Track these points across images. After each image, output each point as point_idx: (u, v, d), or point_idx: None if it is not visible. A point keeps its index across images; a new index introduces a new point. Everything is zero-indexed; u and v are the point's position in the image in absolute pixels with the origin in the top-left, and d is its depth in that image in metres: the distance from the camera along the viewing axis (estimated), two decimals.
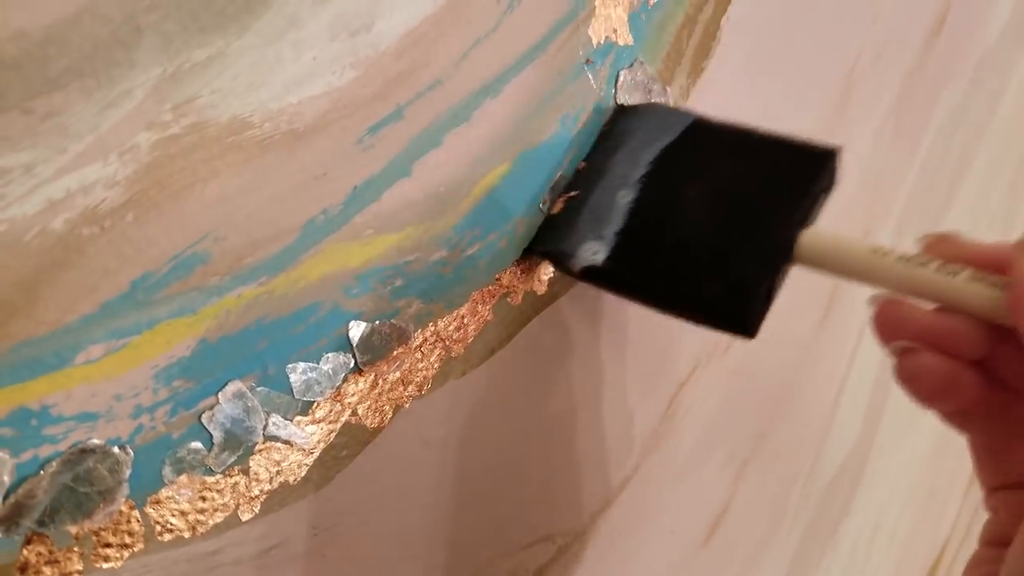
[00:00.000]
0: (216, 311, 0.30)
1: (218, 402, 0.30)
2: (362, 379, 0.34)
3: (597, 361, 0.45)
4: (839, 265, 0.34)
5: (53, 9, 0.24)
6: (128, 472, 0.29)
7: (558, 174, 0.40)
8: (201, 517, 0.31)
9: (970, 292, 0.32)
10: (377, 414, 0.35)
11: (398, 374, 0.36)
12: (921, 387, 0.33)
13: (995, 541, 0.35)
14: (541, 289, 0.41)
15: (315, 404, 0.33)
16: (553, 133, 0.39)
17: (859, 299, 0.72)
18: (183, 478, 0.30)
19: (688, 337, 0.52)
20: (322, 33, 0.30)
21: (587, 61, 0.40)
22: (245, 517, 0.32)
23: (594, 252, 0.37)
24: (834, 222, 0.63)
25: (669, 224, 0.37)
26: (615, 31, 0.41)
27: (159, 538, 0.30)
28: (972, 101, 0.81)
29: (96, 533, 0.28)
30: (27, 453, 0.26)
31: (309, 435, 0.33)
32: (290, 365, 0.32)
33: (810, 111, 0.58)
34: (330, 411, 0.34)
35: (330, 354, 0.33)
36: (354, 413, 0.34)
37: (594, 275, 0.38)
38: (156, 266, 0.28)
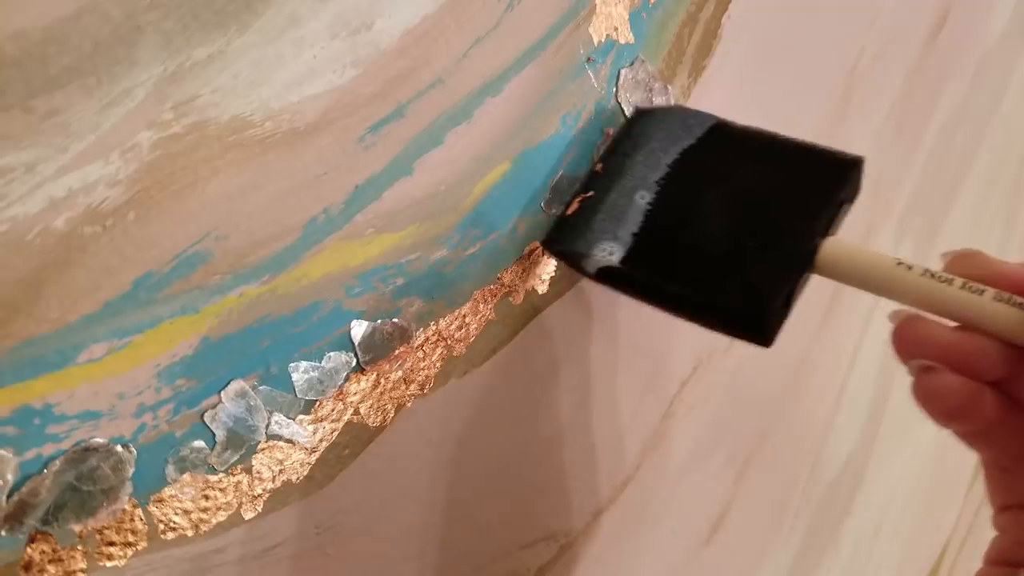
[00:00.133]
0: (218, 310, 0.30)
1: (221, 401, 0.30)
2: (364, 378, 0.34)
3: (599, 360, 0.45)
4: (861, 277, 0.34)
5: (53, 8, 0.24)
6: (131, 470, 0.29)
7: (559, 173, 0.40)
8: (204, 516, 0.31)
9: (994, 312, 0.31)
10: (379, 413, 0.35)
11: (400, 373, 0.36)
12: (940, 407, 0.33)
13: (1002, 560, 0.34)
14: (543, 288, 0.41)
15: (317, 403, 0.33)
16: (554, 132, 0.39)
17: (861, 299, 0.73)
18: (186, 477, 0.30)
19: (689, 336, 0.52)
20: (323, 31, 0.30)
21: (588, 59, 0.40)
22: (248, 516, 0.32)
23: (610, 252, 0.37)
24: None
25: (688, 227, 0.37)
26: (616, 29, 0.41)
27: (162, 536, 0.30)
28: (973, 100, 0.81)
29: (100, 531, 0.28)
30: (31, 452, 0.26)
31: (311, 434, 0.33)
32: (292, 364, 0.32)
33: (811, 109, 0.58)
34: (332, 410, 0.34)
35: (332, 353, 0.33)
36: (356, 412, 0.34)
37: (609, 276, 0.37)
38: (158, 265, 0.28)
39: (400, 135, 0.33)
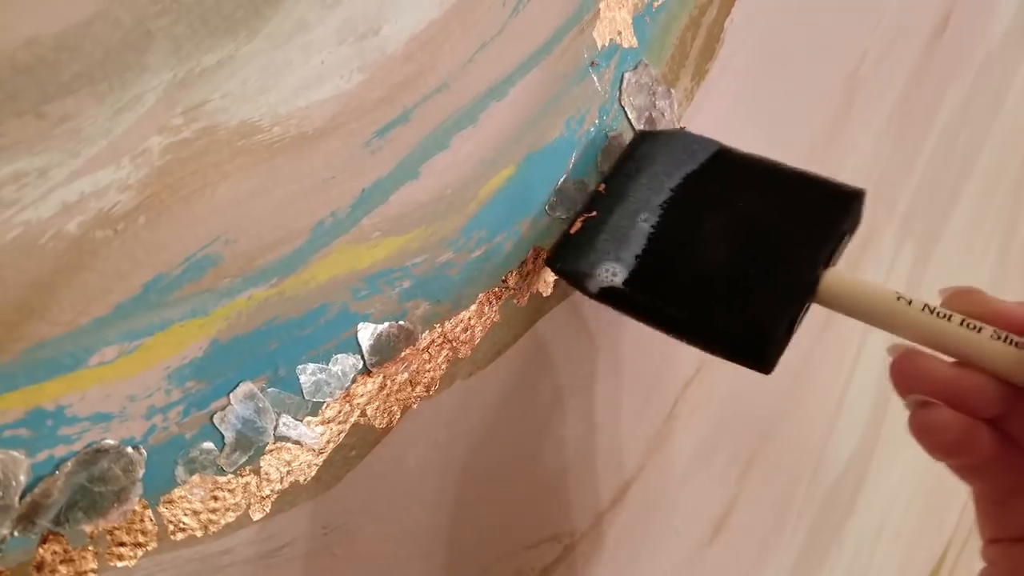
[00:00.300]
0: (228, 312, 0.30)
1: (230, 403, 0.31)
2: (371, 380, 0.35)
3: (602, 362, 0.46)
4: (861, 309, 0.34)
5: (65, 15, 0.25)
6: (142, 472, 0.29)
7: (562, 177, 0.40)
8: (213, 516, 0.31)
9: (992, 350, 0.32)
10: (386, 415, 0.35)
11: (406, 375, 0.36)
12: (936, 442, 0.33)
13: None
14: (547, 291, 0.41)
15: (325, 405, 0.33)
16: (558, 135, 0.39)
17: None
18: (195, 478, 0.30)
19: None
20: (330, 37, 0.30)
21: (592, 64, 0.40)
22: (256, 516, 0.32)
23: (613, 274, 0.37)
24: None
25: (690, 252, 0.37)
26: (619, 34, 0.41)
27: (172, 537, 0.30)
28: (975, 102, 0.81)
29: (110, 532, 0.29)
30: (43, 453, 0.27)
31: (319, 435, 0.33)
32: (300, 366, 0.32)
33: (814, 112, 0.58)
34: (339, 412, 0.34)
35: (339, 355, 0.34)
36: (363, 414, 0.35)
37: (611, 296, 0.38)
38: (168, 268, 0.28)
39: (406, 139, 0.34)
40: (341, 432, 0.34)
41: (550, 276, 0.41)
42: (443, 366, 0.37)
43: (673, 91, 0.45)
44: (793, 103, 0.55)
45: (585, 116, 0.40)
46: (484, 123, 0.36)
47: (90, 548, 0.28)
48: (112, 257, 0.27)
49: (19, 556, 0.27)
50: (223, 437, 0.31)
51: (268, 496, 0.32)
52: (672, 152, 0.40)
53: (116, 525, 0.29)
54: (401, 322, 0.35)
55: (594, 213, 0.39)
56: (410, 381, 0.36)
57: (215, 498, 0.31)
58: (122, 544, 0.29)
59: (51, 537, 0.28)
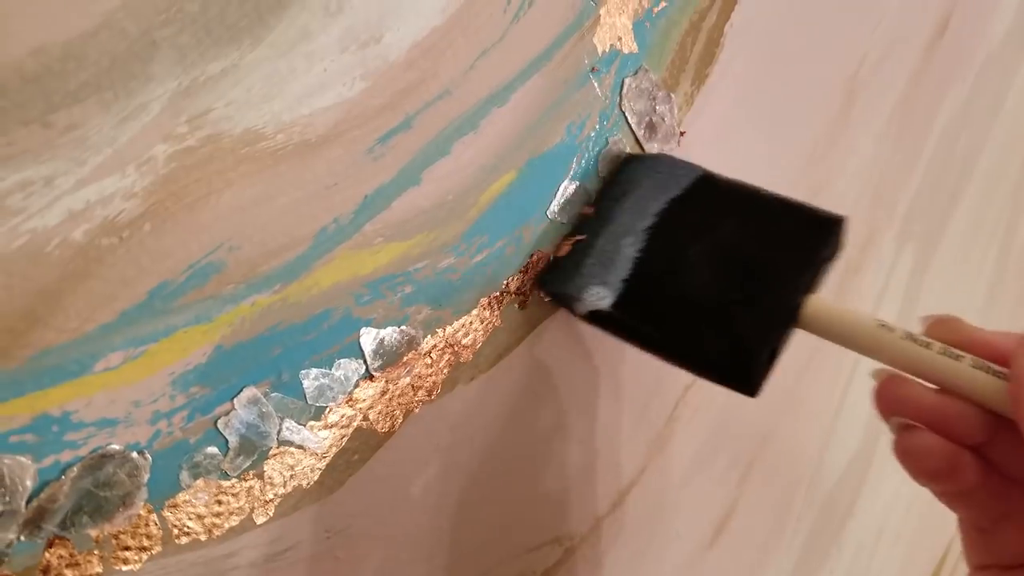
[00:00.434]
0: (231, 319, 0.30)
1: (234, 408, 0.31)
2: (373, 385, 0.35)
3: (603, 365, 0.46)
4: (843, 335, 0.35)
5: (72, 25, 0.25)
6: (147, 477, 0.29)
7: (563, 183, 0.40)
8: (217, 520, 0.31)
9: (972, 379, 0.32)
10: (388, 419, 0.36)
11: (408, 379, 0.36)
12: (920, 467, 0.33)
13: None
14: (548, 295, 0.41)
15: (328, 409, 0.34)
16: (559, 141, 0.40)
17: (866, 297, 0.73)
18: (200, 482, 0.31)
19: None
20: (333, 45, 0.31)
21: (592, 69, 0.40)
22: (260, 520, 0.33)
23: (600, 297, 0.38)
24: None
25: (675, 277, 0.38)
26: (620, 39, 0.41)
27: (176, 541, 0.30)
28: (976, 104, 0.81)
29: (115, 536, 0.29)
30: (49, 458, 0.27)
31: (322, 440, 0.34)
32: (303, 371, 0.33)
33: (814, 115, 0.58)
34: (342, 416, 0.34)
35: (342, 360, 0.34)
36: (365, 418, 0.35)
37: (599, 319, 0.39)
38: (173, 275, 0.29)
39: (408, 146, 0.34)
40: (344, 436, 0.34)
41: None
42: (445, 370, 0.38)
43: (673, 96, 0.45)
44: (793, 106, 0.56)
45: (586, 121, 0.41)
46: (485, 129, 0.36)
47: (95, 552, 0.29)
48: (117, 264, 0.27)
49: (25, 560, 0.27)
50: (227, 442, 0.31)
51: (271, 500, 0.33)
52: (656, 176, 0.41)
53: (121, 529, 0.29)
54: (403, 327, 0.36)
55: (582, 236, 0.40)
56: (412, 385, 0.36)
57: (219, 502, 0.31)
58: (127, 548, 0.29)
59: (57, 541, 0.28)
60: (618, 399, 0.48)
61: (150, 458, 0.29)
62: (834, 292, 0.67)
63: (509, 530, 0.43)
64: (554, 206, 0.40)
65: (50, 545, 0.28)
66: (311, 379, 0.33)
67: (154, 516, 0.30)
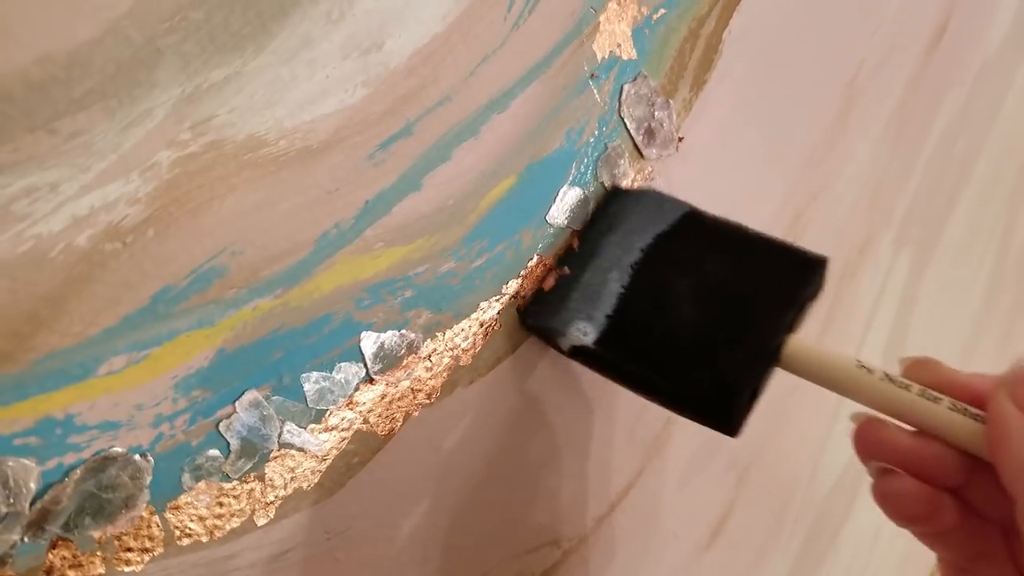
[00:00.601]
0: (233, 323, 0.31)
1: (235, 411, 0.31)
2: (373, 388, 0.35)
3: None
4: (823, 376, 0.35)
5: (77, 33, 0.25)
6: (149, 479, 0.29)
7: (562, 188, 0.41)
8: (218, 522, 0.32)
9: (950, 421, 0.32)
10: (388, 422, 0.36)
11: (408, 383, 0.36)
12: (898, 510, 0.34)
13: None
14: None
15: (328, 412, 0.34)
16: (558, 146, 0.40)
17: (861, 304, 0.73)
18: (201, 484, 0.31)
19: None
20: (335, 52, 0.31)
21: (592, 76, 0.41)
22: (260, 522, 0.33)
23: (584, 333, 0.38)
24: (835, 232, 0.64)
25: (658, 314, 0.38)
26: (619, 46, 0.42)
27: (178, 542, 0.31)
28: (973, 109, 0.81)
29: (118, 538, 0.29)
30: (52, 461, 0.27)
31: (322, 442, 0.34)
32: (304, 375, 0.33)
33: (812, 121, 0.59)
34: (342, 419, 0.34)
35: (343, 364, 0.34)
36: (365, 421, 0.35)
37: (581, 354, 0.39)
38: (176, 280, 0.29)
39: (409, 151, 0.34)
40: (344, 439, 0.35)
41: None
42: (444, 374, 0.38)
43: (672, 102, 0.45)
44: (791, 112, 0.56)
45: (585, 127, 0.41)
46: (485, 135, 0.37)
47: (98, 553, 0.29)
48: (121, 269, 0.27)
49: (29, 561, 0.28)
50: (228, 444, 0.31)
51: (272, 502, 0.33)
52: (643, 211, 0.41)
53: (124, 531, 0.29)
54: (403, 331, 0.36)
55: (567, 269, 0.40)
56: (412, 389, 0.37)
57: (220, 504, 0.32)
58: (129, 549, 0.30)
59: (60, 543, 0.28)
60: (615, 401, 0.48)
61: (152, 460, 0.30)
62: (831, 297, 0.67)
63: (507, 531, 0.43)
64: (553, 211, 0.40)
65: (53, 546, 0.28)
66: (312, 382, 0.33)
67: (156, 518, 0.30)
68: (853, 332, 0.73)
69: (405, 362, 0.36)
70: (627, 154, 0.43)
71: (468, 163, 0.36)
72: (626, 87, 0.42)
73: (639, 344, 0.38)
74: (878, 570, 0.93)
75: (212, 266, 0.30)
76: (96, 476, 0.28)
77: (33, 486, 0.27)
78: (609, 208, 0.42)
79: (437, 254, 0.36)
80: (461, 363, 0.38)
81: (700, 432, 0.56)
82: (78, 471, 0.28)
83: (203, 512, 0.31)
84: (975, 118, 0.83)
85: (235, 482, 0.32)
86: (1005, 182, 0.97)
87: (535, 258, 0.40)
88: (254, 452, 0.32)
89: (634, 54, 0.42)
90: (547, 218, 0.40)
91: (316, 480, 0.34)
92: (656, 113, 0.44)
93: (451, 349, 0.38)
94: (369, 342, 0.35)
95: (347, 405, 0.35)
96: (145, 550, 0.30)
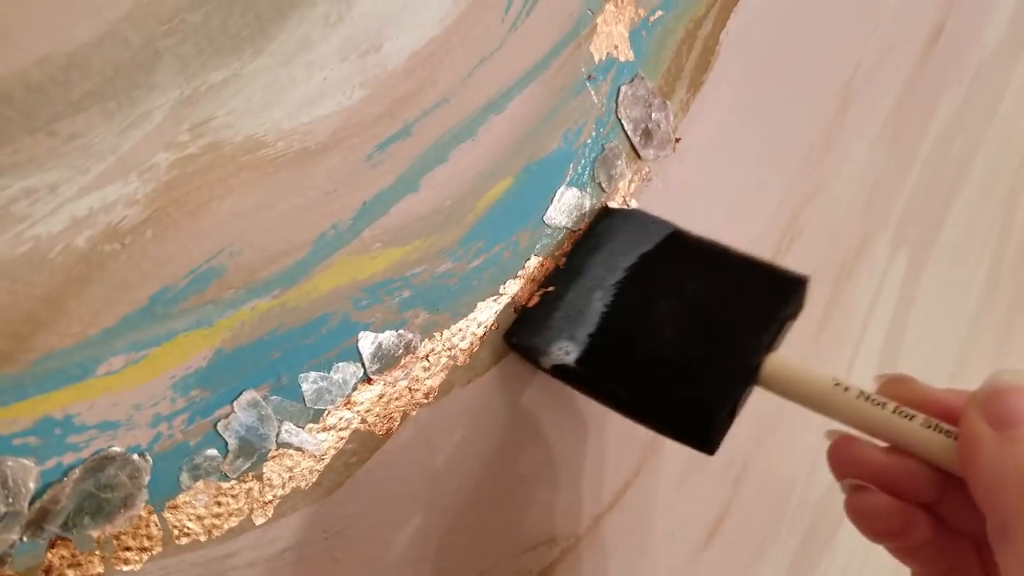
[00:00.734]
0: (231, 323, 0.31)
1: (233, 411, 0.31)
2: (371, 388, 0.35)
3: None
4: (800, 394, 0.36)
5: (76, 35, 0.25)
6: (147, 478, 0.30)
7: (559, 189, 0.41)
8: (216, 521, 0.32)
9: (924, 438, 0.32)
10: (386, 421, 0.36)
11: (406, 383, 0.37)
12: (870, 527, 0.34)
13: None
14: None
15: (326, 412, 0.34)
16: (556, 147, 0.40)
17: (858, 304, 0.73)
18: (199, 484, 0.31)
19: None
20: (333, 54, 0.31)
21: (589, 77, 0.41)
22: (259, 521, 0.33)
23: (566, 352, 0.38)
24: (832, 232, 0.64)
25: (640, 334, 0.38)
26: (616, 47, 0.42)
27: (176, 542, 0.31)
28: (970, 109, 0.82)
29: (117, 537, 0.29)
30: (51, 460, 0.28)
31: (320, 442, 0.34)
32: (302, 374, 0.33)
33: (809, 121, 0.59)
34: (340, 419, 0.35)
35: (340, 364, 0.34)
36: (363, 420, 0.35)
37: (563, 373, 0.39)
38: (174, 280, 0.29)
39: (407, 153, 0.34)
40: (342, 439, 0.35)
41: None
42: (442, 374, 0.38)
43: (669, 103, 0.45)
44: (788, 113, 0.56)
45: (582, 128, 0.41)
46: (483, 136, 0.37)
47: (97, 553, 0.29)
48: (119, 270, 0.28)
49: (28, 561, 0.28)
50: (226, 444, 0.32)
51: (270, 501, 0.33)
52: (629, 231, 0.42)
53: (122, 530, 0.30)
54: (401, 331, 0.36)
55: (551, 288, 0.41)
56: (409, 388, 0.37)
57: (219, 503, 0.32)
58: (128, 549, 0.30)
59: (59, 542, 0.28)
60: None
61: (151, 460, 0.30)
62: (828, 297, 0.67)
63: (505, 531, 0.44)
64: (551, 211, 0.41)
65: (52, 546, 0.28)
66: (310, 382, 0.33)
67: (155, 517, 0.30)
68: (850, 332, 0.74)
69: (403, 362, 0.36)
70: (624, 155, 0.43)
71: (465, 164, 0.37)
72: (623, 88, 0.43)
73: (619, 364, 0.38)
74: (876, 570, 0.94)
75: (210, 267, 0.30)
76: (95, 476, 0.28)
77: (32, 485, 0.27)
78: (597, 228, 0.42)
79: (435, 255, 0.37)
80: (459, 363, 0.39)
81: None
82: (77, 471, 0.28)
83: (201, 511, 0.31)
84: (972, 119, 0.83)
85: (233, 481, 0.32)
86: (1002, 182, 0.97)
87: (533, 259, 0.40)
88: (252, 452, 0.32)
89: (631, 56, 0.43)
90: (545, 219, 0.41)
91: (314, 480, 0.34)
92: (653, 114, 0.44)
93: (449, 349, 0.38)
94: (367, 342, 0.35)
95: (345, 405, 0.35)
96: (144, 549, 0.30)
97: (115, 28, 0.26)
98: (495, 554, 0.43)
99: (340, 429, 0.35)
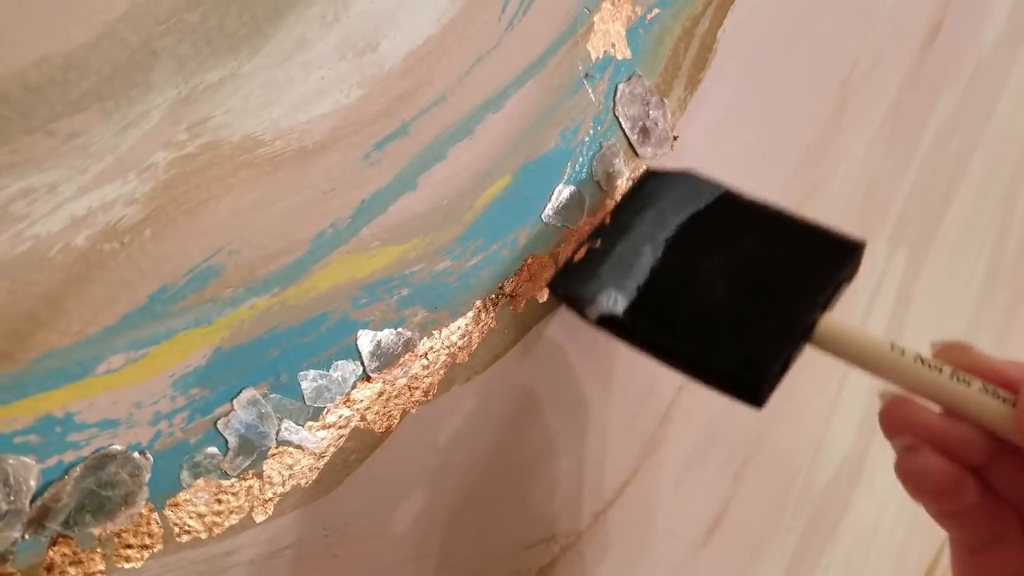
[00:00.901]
0: (230, 321, 0.31)
1: (233, 409, 0.32)
2: (370, 386, 0.36)
3: (598, 365, 0.46)
4: (855, 355, 0.35)
5: (74, 35, 0.26)
6: (148, 476, 0.30)
7: (557, 187, 0.41)
8: (217, 519, 0.32)
9: (981, 403, 0.33)
10: (385, 419, 0.36)
11: (405, 381, 0.37)
12: (922, 485, 0.34)
13: None
14: (543, 297, 0.42)
15: (325, 410, 0.34)
16: (553, 146, 0.40)
17: (857, 300, 0.73)
18: (200, 482, 0.31)
19: None
20: (330, 53, 0.31)
21: (586, 75, 0.41)
22: (259, 519, 0.33)
23: (615, 302, 0.38)
24: None
25: (691, 288, 0.38)
26: (613, 45, 0.42)
27: (177, 539, 0.31)
28: (968, 107, 0.82)
29: (118, 534, 0.30)
30: (52, 459, 0.28)
31: (320, 440, 0.34)
32: (301, 373, 0.33)
33: (806, 119, 0.59)
34: (340, 417, 0.35)
35: (340, 362, 0.34)
36: (363, 418, 0.36)
37: (610, 324, 0.39)
38: (173, 279, 0.29)
39: (404, 151, 0.35)
40: (341, 436, 0.35)
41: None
42: (441, 372, 0.38)
43: (666, 101, 0.45)
44: (786, 111, 0.56)
45: (580, 127, 0.41)
46: (480, 135, 0.37)
47: (98, 550, 0.29)
48: (119, 269, 0.28)
49: (30, 558, 0.28)
50: (226, 442, 0.32)
51: (270, 499, 0.33)
52: (679, 191, 0.41)
53: (123, 528, 0.30)
54: (400, 329, 0.36)
55: (598, 243, 0.40)
56: (409, 386, 0.37)
57: (219, 501, 0.32)
58: (129, 546, 0.30)
59: (60, 539, 0.28)
60: (612, 399, 0.48)
61: (151, 458, 0.30)
62: None
63: (504, 528, 0.44)
64: (549, 210, 0.41)
65: (54, 543, 0.28)
66: (309, 380, 0.34)
67: (155, 515, 0.30)
68: (853, 323, 0.74)
69: (402, 360, 0.37)
70: (622, 153, 0.44)
71: (463, 162, 0.37)
72: (621, 86, 0.43)
73: (669, 316, 0.38)
74: (876, 566, 0.94)
75: (209, 265, 0.30)
76: (96, 474, 0.28)
77: (33, 483, 0.27)
78: (644, 188, 0.42)
79: (433, 253, 0.37)
80: (458, 361, 0.39)
81: (697, 429, 0.56)
82: (78, 469, 0.28)
83: (202, 509, 0.31)
84: (970, 117, 0.83)
85: (233, 479, 0.32)
86: (1000, 181, 0.97)
87: (531, 257, 0.41)
88: (252, 449, 0.32)
89: (628, 53, 0.43)
90: (542, 217, 0.41)
91: (314, 477, 0.35)
92: (651, 112, 0.45)
93: (448, 347, 0.38)
94: (366, 340, 0.35)
95: (344, 403, 0.35)
96: (145, 547, 0.30)
97: (112, 28, 0.26)
98: (495, 552, 0.43)
99: (339, 427, 0.35)
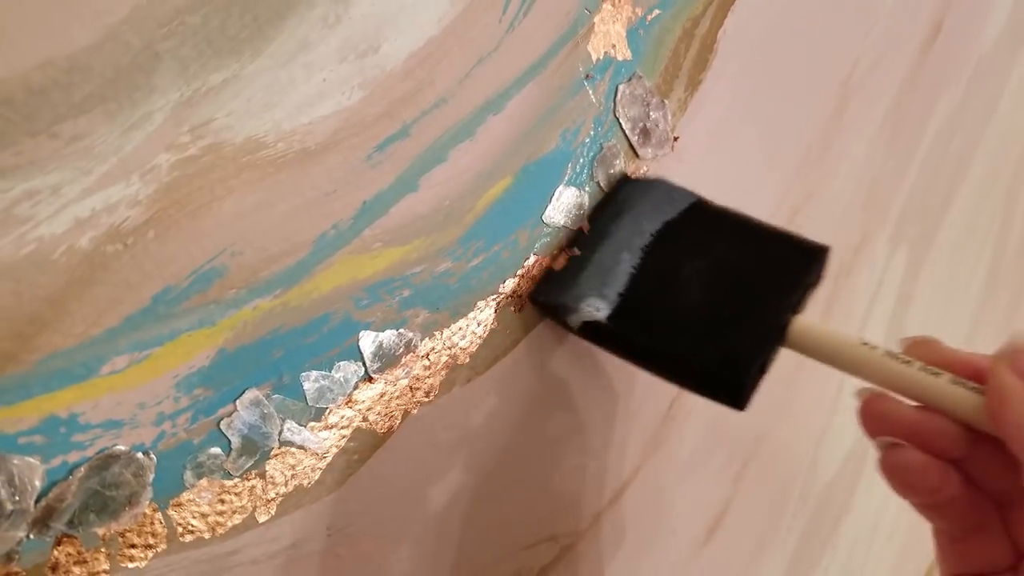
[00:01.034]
0: (233, 323, 0.31)
1: (236, 409, 0.32)
2: (372, 386, 0.36)
3: (598, 366, 0.47)
4: (827, 354, 0.36)
5: (77, 38, 0.26)
6: (152, 476, 0.30)
7: (558, 188, 0.41)
8: (220, 519, 0.32)
9: (952, 395, 0.33)
10: (387, 419, 0.37)
11: (407, 381, 0.37)
12: (904, 481, 0.35)
13: None
14: None
15: (328, 410, 0.34)
16: (554, 147, 0.40)
17: (857, 300, 0.74)
18: (203, 482, 0.31)
19: None
20: (332, 55, 0.31)
21: (587, 76, 0.41)
22: (262, 519, 0.33)
23: (597, 309, 0.39)
24: (830, 230, 0.64)
25: (669, 293, 0.39)
26: (614, 46, 0.42)
27: (181, 539, 0.31)
28: (968, 107, 0.82)
29: (122, 534, 0.30)
30: (57, 459, 0.28)
31: (322, 440, 0.34)
32: (304, 373, 0.34)
33: (807, 120, 0.59)
34: (342, 417, 0.35)
35: (342, 363, 0.35)
36: (365, 419, 0.36)
37: (592, 331, 0.40)
38: (176, 281, 0.29)
39: (406, 153, 0.35)
40: (344, 437, 0.35)
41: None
42: (442, 372, 0.38)
43: (667, 102, 0.46)
44: (786, 111, 0.56)
45: (580, 128, 0.41)
46: (481, 136, 0.37)
47: (102, 550, 0.29)
48: (122, 270, 0.28)
49: (35, 558, 0.28)
50: (230, 442, 0.32)
51: (273, 499, 0.33)
52: (653, 199, 0.42)
53: (127, 527, 0.30)
54: (402, 330, 0.36)
55: (576, 251, 0.41)
56: (410, 387, 0.37)
57: (222, 501, 0.32)
58: (133, 546, 0.30)
59: (65, 539, 0.29)
60: (614, 399, 0.48)
61: (155, 458, 0.30)
62: (827, 295, 0.67)
63: (506, 528, 0.44)
64: (549, 211, 0.41)
65: (58, 543, 0.28)
66: (311, 381, 0.34)
67: (159, 515, 0.31)
68: (852, 323, 0.74)
69: (403, 361, 0.37)
70: (623, 154, 0.44)
71: (464, 164, 0.37)
72: (621, 87, 0.43)
73: (650, 321, 0.39)
74: (876, 564, 0.94)
75: (212, 267, 0.30)
76: (100, 474, 0.29)
77: (38, 484, 0.27)
78: (618, 195, 0.43)
79: (434, 254, 0.37)
80: (459, 362, 0.39)
81: (698, 429, 0.57)
82: (82, 469, 0.28)
83: (205, 509, 0.32)
84: (971, 116, 0.83)
85: (236, 479, 0.32)
86: (1001, 180, 0.97)
87: (532, 258, 0.41)
88: (255, 450, 0.32)
89: (629, 55, 0.43)
90: (543, 218, 0.41)
91: (317, 477, 0.35)
92: (651, 113, 0.45)
93: (449, 348, 0.38)
94: (368, 341, 0.35)
95: (346, 403, 0.35)
96: (149, 547, 0.30)
97: (115, 31, 0.26)
98: (495, 551, 0.44)
99: (342, 427, 0.35)
